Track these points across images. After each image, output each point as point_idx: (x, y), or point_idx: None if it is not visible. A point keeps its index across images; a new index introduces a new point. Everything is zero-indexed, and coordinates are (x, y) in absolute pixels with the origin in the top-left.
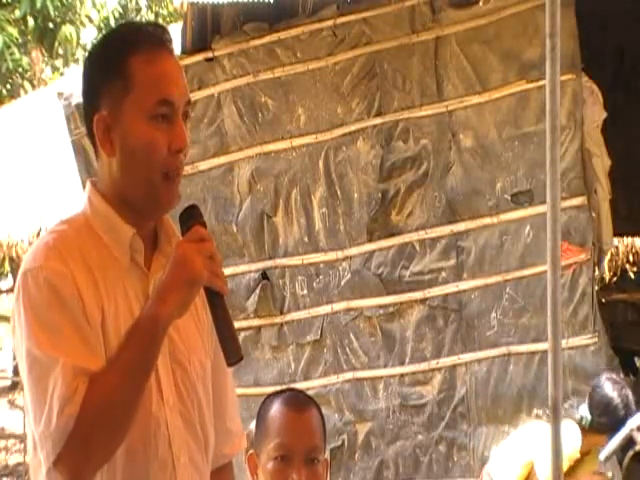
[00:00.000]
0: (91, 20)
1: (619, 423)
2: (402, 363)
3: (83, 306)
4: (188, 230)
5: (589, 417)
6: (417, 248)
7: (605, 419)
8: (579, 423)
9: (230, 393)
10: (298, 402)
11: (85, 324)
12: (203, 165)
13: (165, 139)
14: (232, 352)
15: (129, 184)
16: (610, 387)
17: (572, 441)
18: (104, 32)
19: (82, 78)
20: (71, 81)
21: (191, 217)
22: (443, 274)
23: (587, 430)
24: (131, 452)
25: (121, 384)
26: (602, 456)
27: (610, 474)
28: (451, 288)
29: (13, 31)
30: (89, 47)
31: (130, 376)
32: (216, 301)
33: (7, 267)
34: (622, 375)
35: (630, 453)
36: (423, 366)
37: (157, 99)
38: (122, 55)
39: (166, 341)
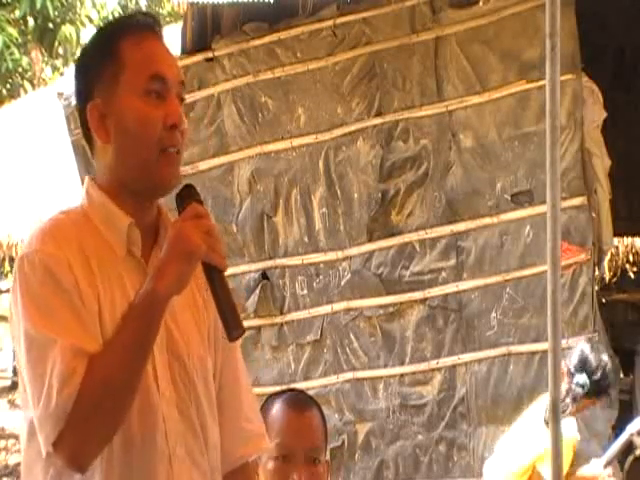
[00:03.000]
0: (91, 20)
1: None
2: (402, 363)
3: (79, 290)
4: (184, 209)
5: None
6: (417, 248)
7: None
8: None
9: (244, 393)
10: (299, 402)
11: (81, 306)
12: (203, 165)
13: (159, 115)
14: (232, 326)
15: (126, 166)
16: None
17: (570, 429)
18: None
19: (75, 72)
20: (71, 81)
21: (187, 196)
22: (443, 274)
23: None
24: (129, 443)
25: (120, 364)
26: (602, 461)
27: (611, 471)
28: (451, 288)
29: (13, 31)
30: None
31: (129, 355)
32: (215, 276)
33: (7, 267)
34: (622, 375)
35: (630, 458)
36: (423, 366)
37: (149, 74)
38: (112, 41)
39: (164, 334)
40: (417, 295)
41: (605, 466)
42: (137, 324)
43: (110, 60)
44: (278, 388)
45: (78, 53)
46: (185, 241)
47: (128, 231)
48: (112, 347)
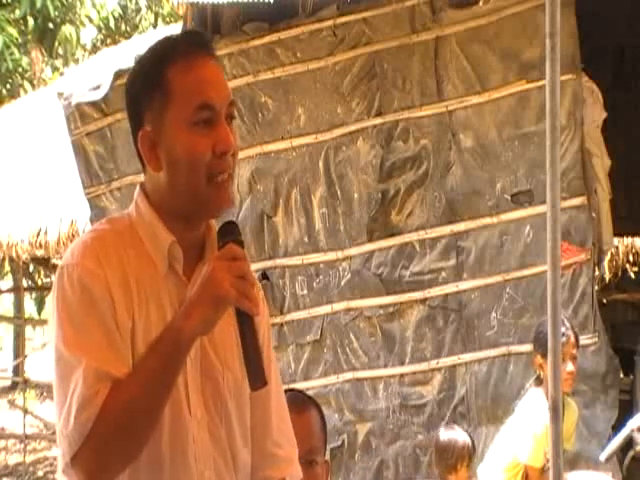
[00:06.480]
0: (91, 20)
1: None
2: (402, 363)
3: (114, 310)
4: (223, 247)
5: None
6: (417, 248)
7: None
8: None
9: (275, 418)
10: (297, 403)
11: (114, 328)
12: None
13: (208, 143)
14: (255, 378)
15: (177, 195)
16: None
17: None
18: (104, 32)
19: (125, 96)
20: (71, 81)
21: (228, 234)
22: (443, 274)
23: None
24: (156, 463)
25: (140, 394)
26: (602, 457)
27: (610, 474)
28: (451, 288)
29: (13, 31)
30: (89, 47)
31: (150, 387)
32: (244, 322)
33: (7, 267)
34: (622, 375)
35: (630, 454)
36: (423, 366)
37: (196, 104)
38: (159, 68)
39: (199, 355)
40: (417, 295)
41: (606, 460)
42: (160, 358)
43: (158, 89)
44: None
45: (79, 54)
46: (215, 285)
47: (170, 249)
48: (135, 376)
